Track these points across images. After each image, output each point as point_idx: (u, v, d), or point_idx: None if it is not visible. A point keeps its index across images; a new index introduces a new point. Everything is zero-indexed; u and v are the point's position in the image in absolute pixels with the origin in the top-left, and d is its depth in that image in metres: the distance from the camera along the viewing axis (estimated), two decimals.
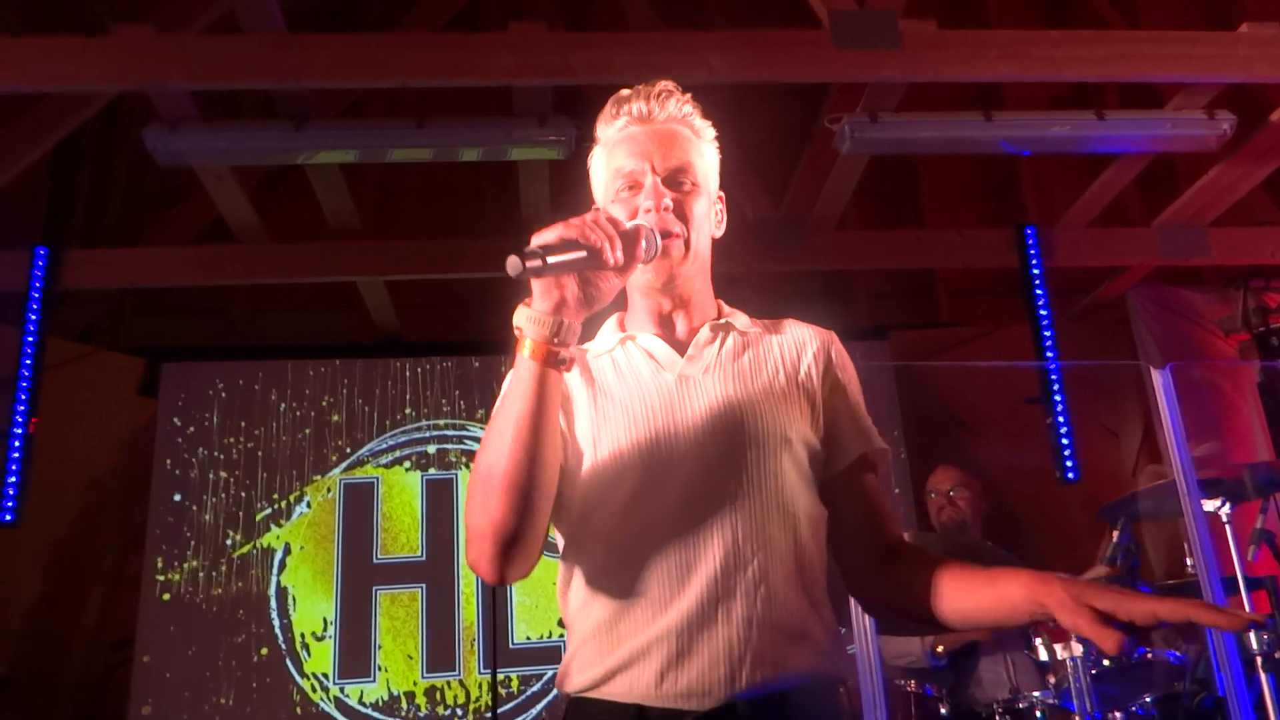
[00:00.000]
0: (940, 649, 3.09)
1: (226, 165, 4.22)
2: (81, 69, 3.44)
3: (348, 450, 4.94)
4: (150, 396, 4.98)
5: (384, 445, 4.95)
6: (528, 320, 1.19)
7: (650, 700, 1.21)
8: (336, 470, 4.90)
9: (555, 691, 4.57)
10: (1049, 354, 4.63)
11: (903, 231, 5.50)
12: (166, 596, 4.62)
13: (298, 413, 4.97)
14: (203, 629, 4.59)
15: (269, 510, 4.82)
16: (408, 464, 4.93)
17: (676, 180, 1.38)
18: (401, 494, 4.88)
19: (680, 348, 1.39)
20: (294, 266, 4.78)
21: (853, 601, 1.87)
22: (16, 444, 4.24)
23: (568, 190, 4.98)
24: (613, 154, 1.41)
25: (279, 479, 4.87)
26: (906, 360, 5.20)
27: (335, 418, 4.98)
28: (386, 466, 4.93)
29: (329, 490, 4.87)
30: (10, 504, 4.18)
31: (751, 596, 1.23)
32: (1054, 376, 4.57)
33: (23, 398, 4.32)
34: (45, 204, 4.93)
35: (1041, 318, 4.70)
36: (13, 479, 4.21)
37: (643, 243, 1.26)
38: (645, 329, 1.41)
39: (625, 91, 1.43)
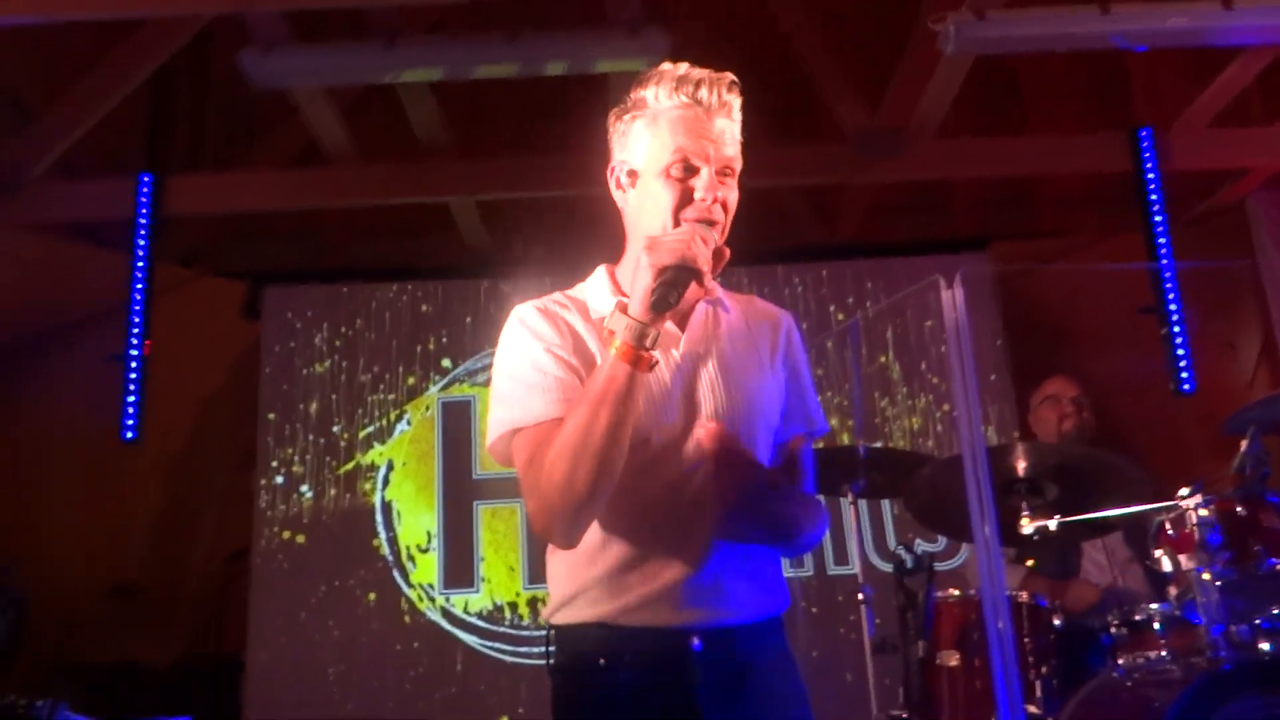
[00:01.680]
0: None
1: (319, 86, 4.24)
2: None
3: (445, 369, 5.01)
4: (254, 319, 5.12)
5: (479, 364, 5.01)
6: (627, 329, 1.32)
7: (666, 624, 1.42)
8: (434, 389, 4.99)
9: None
10: (1164, 261, 4.44)
11: (1004, 138, 5.29)
12: (279, 504, 4.79)
13: (395, 333, 5.06)
14: (312, 542, 4.76)
15: (371, 428, 4.95)
16: None
17: (726, 173, 1.47)
18: None
19: (678, 320, 1.51)
20: (386, 188, 4.81)
21: (973, 515, 1.94)
22: (133, 366, 4.40)
23: None
24: (672, 130, 1.46)
25: (379, 397, 4.98)
26: (1008, 271, 5.05)
27: (431, 337, 5.05)
28: (483, 385, 5.00)
29: (428, 408, 4.97)
30: (131, 422, 4.36)
31: (739, 551, 1.45)
32: (1169, 284, 4.38)
33: (136, 321, 4.47)
34: (146, 131, 5.02)
35: (1156, 224, 4.49)
36: (132, 398, 4.38)
37: (718, 226, 1.42)
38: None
39: (684, 68, 1.49)
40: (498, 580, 4.72)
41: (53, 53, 4.66)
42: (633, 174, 1.52)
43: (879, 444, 4.72)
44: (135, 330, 4.46)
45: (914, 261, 5.08)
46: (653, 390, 1.45)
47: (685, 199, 1.44)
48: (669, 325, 1.47)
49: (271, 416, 4.94)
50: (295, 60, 3.88)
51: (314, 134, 4.69)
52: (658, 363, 1.38)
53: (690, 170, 1.44)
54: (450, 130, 4.84)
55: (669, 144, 1.45)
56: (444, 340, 5.05)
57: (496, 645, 4.64)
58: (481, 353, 5.01)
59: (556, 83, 4.76)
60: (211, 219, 5.39)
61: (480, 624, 4.67)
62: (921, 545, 4.28)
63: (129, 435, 4.34)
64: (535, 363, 1.47)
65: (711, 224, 1.42)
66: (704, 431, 1.40)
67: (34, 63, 4.69)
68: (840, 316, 5.02)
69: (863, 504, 3.27)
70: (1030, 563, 3.31)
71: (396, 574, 4.74)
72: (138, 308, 4.49)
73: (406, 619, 4.68)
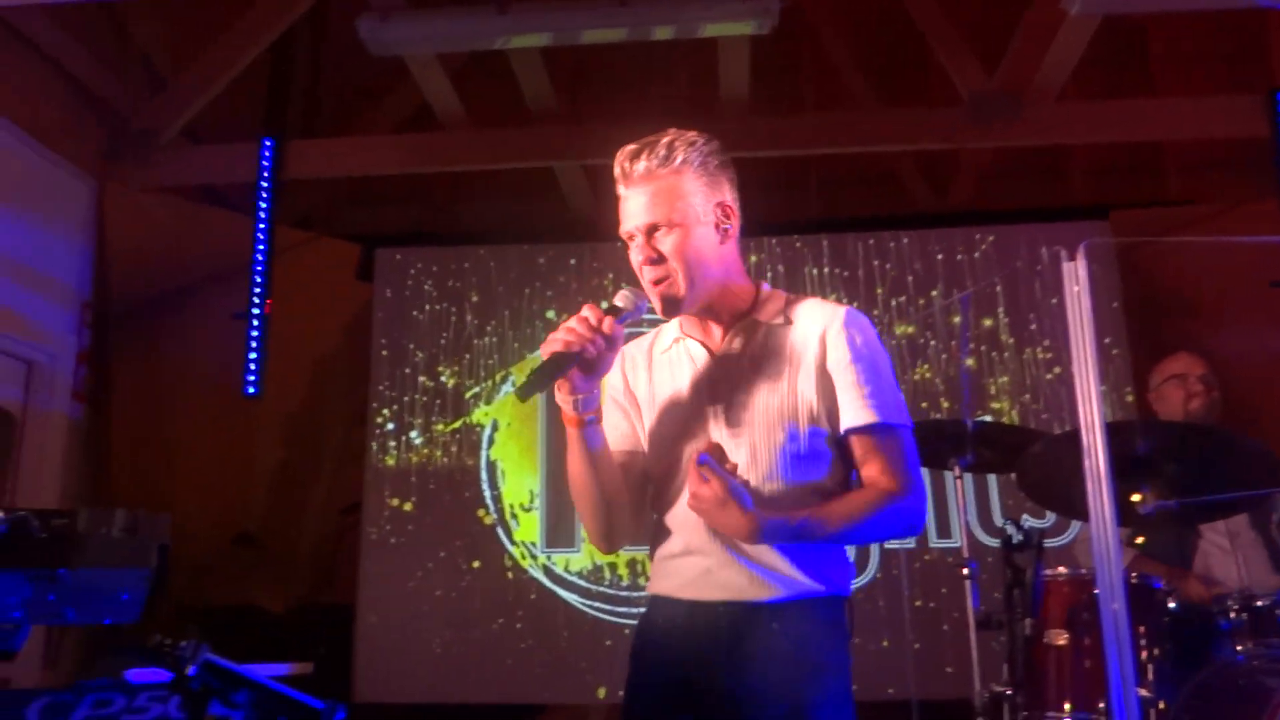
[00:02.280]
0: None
1: (432, 52, 4.30)
2: None
3: (549, 331, 5.08)
4: (367, 281, 5.27)
5: None
6: (561, 403, 1.68)
7: (691, 596, 1.71)
8: (539, 350, 5.06)
9: None
10: None
11: (1129, 101, 5.07)
12: (390, 461, 4.96)
13: (501, 295, 5.14)
14: (419, 498, 4.91)
15: (477, 389, 5.06)
16: None
17: (655, 231, 1.69)
18: None
19: (712, 349, 1.76)
20: (495, 152, 4.87)
21: (1091, 494, 1.89)
22: (255, 324, 4.59)
23: (766, 69, 4.84)
24: (620, 211, 1.74)
25: (485, 359, 5.08)
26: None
27: (536, 299, 5.12)
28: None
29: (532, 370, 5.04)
30: (253, 378, 4.54)
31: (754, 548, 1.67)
32: None
33: (259, 281, 4.64)
34: (267, 97, 5.18)
35: None
36: (254, 356, 4.56)
37: (624, 313, 1.68)
38: (690, 331, 1.80)
39: (620, 155, 1.74)
40: None
41: (181, 21, 4.85)
42: (630, 236, 1.77)
43: (988, 418, 4.62)
44: (257, 290, 4.64)
45: (1030, 230, 4.93)
46: (684, 410, 1.74)
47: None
48: (699, 347, 1.77)
49: (382, 377, 5.10)
50: (410, 27, 3.95)
51: (426, 99, 4.78)
52: (588, 420, 1.68)
53: (631, 241, 1.73)
54: (558, 95, 4.87)
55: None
56: (549, 302, 5.12)
57: (595, 604, 4.73)
58: None
59: (665, 47, 4.73)
60: (328, 182, 5.55)
61: (580, 583, 4.77)
62: (1029, 521, 4.20)
63: (251, 391, 4.54)
64: (611, 403, 1.85)
65: (659, 280, 1.70)
66: (692, 473, 1.62)
67: (165, 31, 4.89)
68: (948, 288, 4.91)
69: (968, 477, 3.19)
70: (1140, 540, 3.20)
71: (500, 531, 4.86)
72: (260, 268, 4.67)
73: (509, 575, 4.80)
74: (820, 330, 1.71)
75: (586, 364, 1.63)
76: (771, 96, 5.17)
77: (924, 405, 4.73)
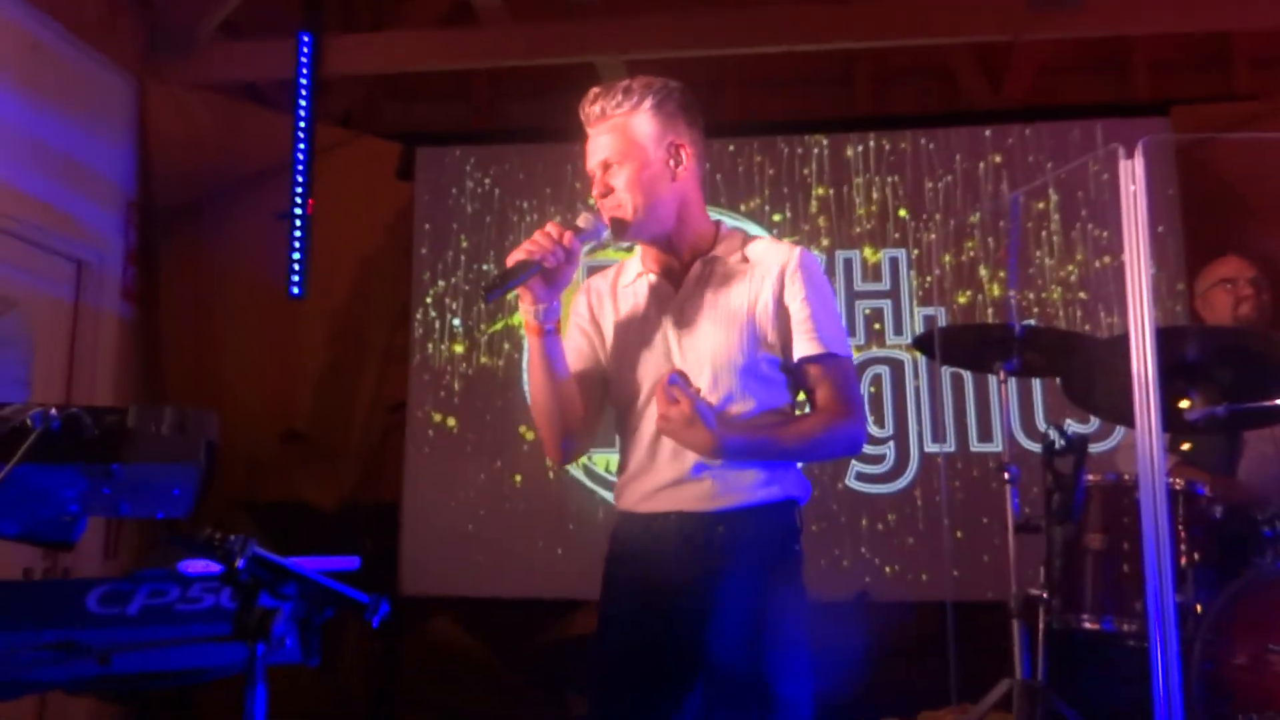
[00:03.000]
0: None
1: None
2: None
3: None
4: (408, 179, 5.25)
5: None
6: (523, 314, 1.85)
7: (649, 509, 1.88)
8: (587, 248, 5.03)
9: None
10: None
11: None
12: (433, 360, 5.01)
13: (544, 193, 5.10)
14: (464, 400, 4.98)
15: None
16: None
17: (608, 167, 1.88)
18: None
19: (672, 282, 1.92)
20: (535, 48, 4.77)
21: (1138, 399, 1.91)
22: (298, 224, 4.60)
23: None
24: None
25: None
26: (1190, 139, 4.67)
27: (579, 198, 5.08)
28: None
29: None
30: (297, 279, 4.58)
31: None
32: None
33: (299, 180, 4.64)
34: None
35: None
36: (297, 255, 4.59)
37: (583, 235, 1.85)
38: (650, 266, 1.95)
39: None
40: None
41: None
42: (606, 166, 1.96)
43: (1032, 322, 4.55)
44: (299, 189, 4.64)
45: (1087, 125, 4.77)
46: (646, 339, 1.90)
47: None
48: (661, 281, 1.92)
49: (424, 277, 5.11)
50: None
51: None
52: (548, 329, 1.84)
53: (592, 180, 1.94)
54: None
55: None
56: (589, 201, 5.06)
57: None
58: None
59: None
60: (367, 79, 5.49)
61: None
62: (1072, 426, 4.16)
63: (295, 291, 4.58)
64: (573, 325, 2.06)
65: (614, 210, 1.89)
66: (660, 394, 1.77)
67: None
68: (1004, 185, 4.78)
69: (1012, 381, 3.16)
70: (1186, 446, 3.17)
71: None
72: (301, 167, 4.66)
73: (550, 474, 4.88)
74: (778, 268, 1.86)
75: (547, 274, 1.80)
76: None
77: (963, 300, 4.66)
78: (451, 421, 4.97)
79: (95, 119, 4.45)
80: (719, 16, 4.63)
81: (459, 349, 5.04)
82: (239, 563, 1.32)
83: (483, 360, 5.02)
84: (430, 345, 5.06)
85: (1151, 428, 1.88)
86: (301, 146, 4.66)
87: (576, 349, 1.98)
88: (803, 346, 1.85)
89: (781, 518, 1.86)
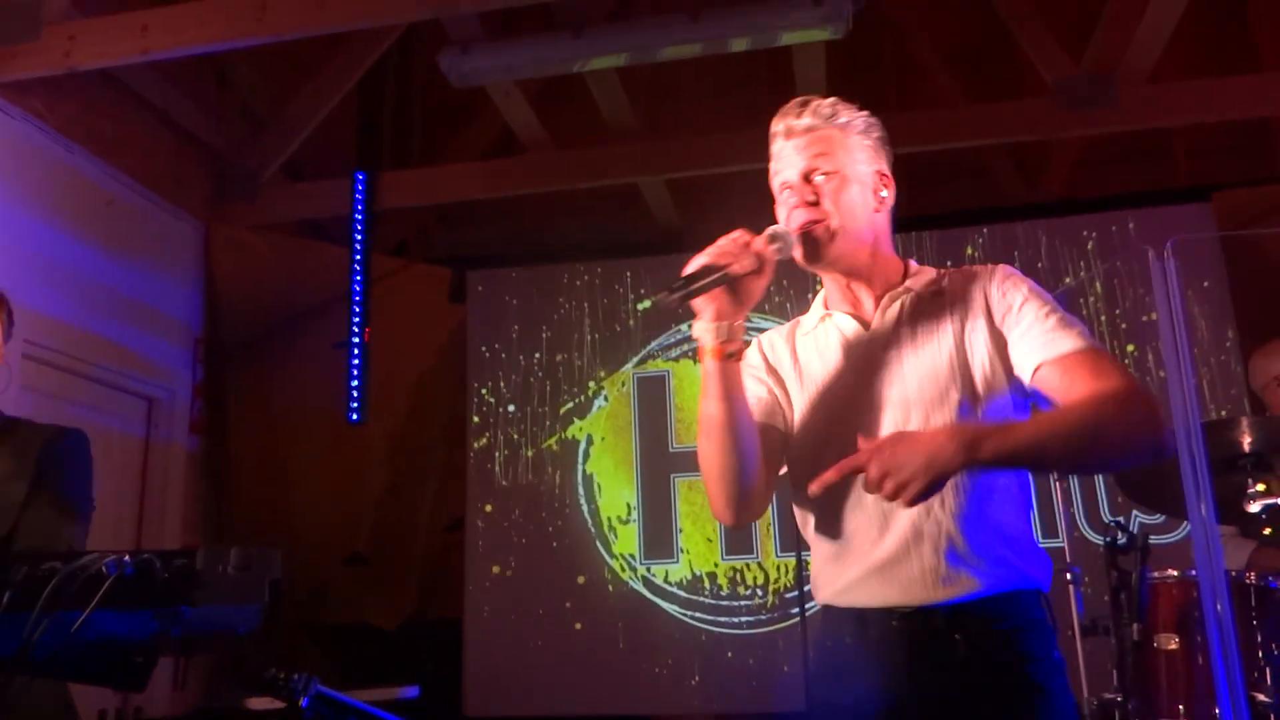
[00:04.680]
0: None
1: (511, 79, 4.40)
2: (381, 4, 3.67)
3: (640, 344, 5.15)
4: (460, 302, 5.41)
5: (672, 339, 5.11)
6: (700, 333, 1.53)
7: (872, 604, 1.53)
8: (629, 365, 5.13)
9: None
10: None
11: (1231, 78, 4.87)
12: (489, 478, 5.08)
13: (591, 310, 5.23)
14: (520, 515, 5.02)
15: (570, 404, 5.14)
16: (696, 356, 5.06)
17: (814, 175, 1.61)
18: (692, 386, 5.05)
19: (865, 320, 1.64)
20: (577, 172, 4.95)
21: (1188, 495, 1.85)
22: (356, 352, 4.76)
23: (845, 70, 4.81)
24: (773, 168, 1.68)
25: (577, 374, 5.17)
26: (1234, 223, 4.65)
27: (626, 314, 5.19)
28: (675, 360, 5.10)
29: (624, 384, 5.12)
30: (356, 405, 4.71)
31: (935, 537, 1.49)
32: None
33: (357, 310, 4.82)
34: (358, 132, 5.37)
35: None
36: (355, 383, 4.74)
37: (775, 244, 1.54)
38: (838, 305, 1.67)
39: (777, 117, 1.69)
40: (696, 551, 4.83)
41: (276, 66, 5.07)
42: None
43: None
44: (356, 319, 4.81)
45: (1128, 215, 4.79)
46: (839, 387, 1.60)
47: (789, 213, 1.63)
48: (849, 320, 1.64)
49: (478, 396, 5.23)
50: (489, 57, 4.05)
51: (509, 124, 4.89)
52: (729, 353, 1.52)
53: (785, 188, 1.64)
54: (636, 111, 4.93)
55: (774, 180, 1.69)
56: (639, 316, 5.18)
57: (696, 614, 4.76)
58: (673, 329, 5.11)
59: (741, 57, 4.74)
60: (419, 210, 5.72)
61: (680, 593, 4.80)
62: (1140, 518, 4.07)
63: (354, 418, 4.70)
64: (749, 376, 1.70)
65: (812, 223, 1.59)
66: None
67: (261, 77, 5.12)
68: (1046, 281, 4.79)
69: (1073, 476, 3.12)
70: (1268, 531, 3.08)
71: (599, 544, 4.94)
72: (358, 297, 4.84)
73: (610, 587, 4.87)
74: (980, 288, 1.60)
75: (734, 284, 1.50)
76: (852, 97, 5.12)
77: None
78: (510, 539, 5.01)
79: (165, 263, 4.69)
80: (756, 132, 4.77)
81: (514, 465, 5.11)
82: (302, 701, 1.35)
83: (538, 475, 5.08)
84: (486, 462, 5.14)
85: (1204, 523, 1.86)
86: (358, 277, 4.86)
87: (755, 397, 1.64)
88: (1040, 349, 1.50)
89: (1038, 612, 1.50)
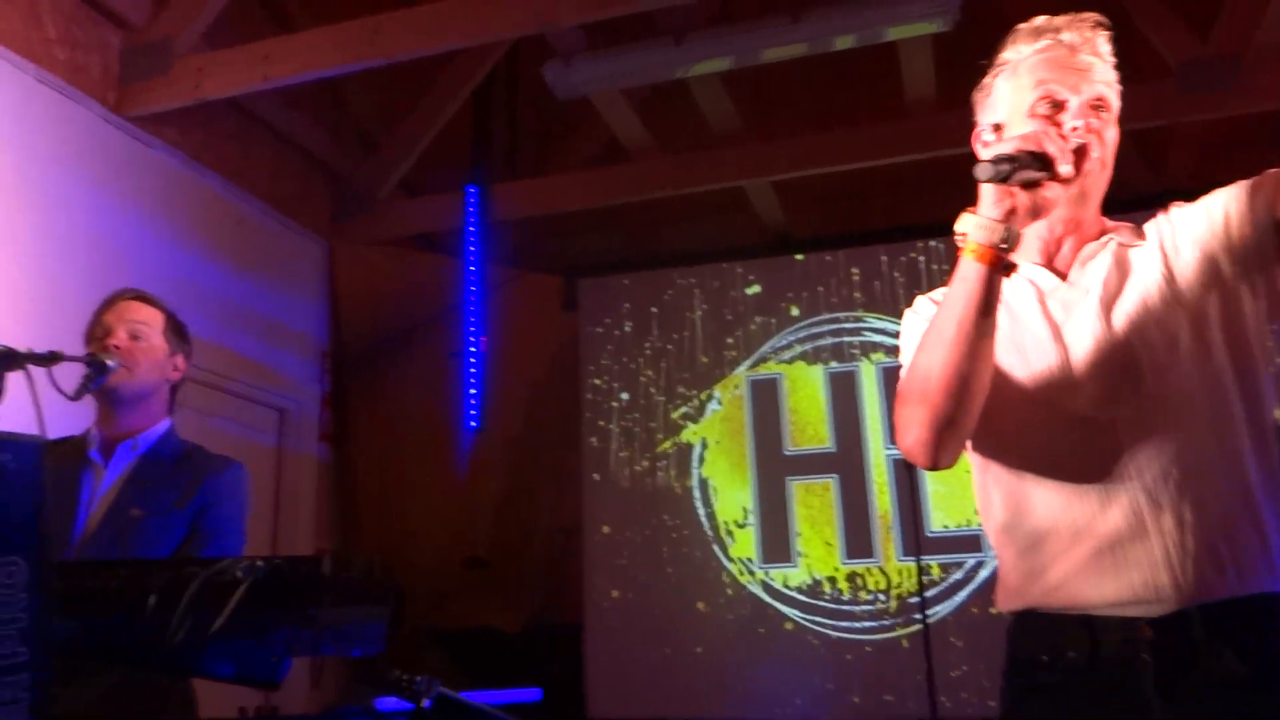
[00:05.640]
0: None
1: (615, 89, 4.46)
2: (486, 22, 3.76)
3: (752, 348, 5.13)
4: (572, 310, 5.50)
5: (784, 341, 5.08)
6: (976, 226, 1.27)
7: (1097, 609, 1.26)
8: (742, 368, 5.12)
9: (979, 579, 4.52)
10: None
11: None
12: (605, 483, 5.14)
13: (700, 315, 5.24)
14: (637, 518, 5.07)
15: (684, 409, 5.16)
16: (809, 358, 5.03)
17: (1097, 106, 1.39)
18: (805, 388, 5.01)
19: (1062, 274, 1.41)
20: (683, 177, 4.97)
21: None
22: (473, 361, 4.89)
23: (953, 65, 4.69)
24: (1033, 70, 1.42)
25: (690, 379, 5.19)
26: None
27: (736, 316, 5.18)
28: (788, 362, 5.07)
29: (736, 387, 5.11)
30: (474, 411, 4.84)
31: (1177, 505, 1.24)
32: None
33: (472, 321, 4.95)
34: (469, 147, 5.51)
35: None
36: (473, 390, 4.86)
37: (1091, 155, 1.33)
38: (1028, 257, 1.44)
39: (1042, 19, 1.45)
40: (815, 555, 4.79)
41: (389, 87, 5.24)
42: (998, 128, 1.46)
43: None
44: (471, 329, 4.94)
45: None
46: (1033, 345, 1.37)
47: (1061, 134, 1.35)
48: (1047, 275, 1.41)
49: (592, 402, 5.30)
50: (593, 68, 4.11)
51: (614, 133, 4.95)
52: (1014, 267, 1.31)
53: (1056, 105, 1.38)
54: (741, 113, 4.92)
55: (1031, 83, 1.40)
56: (749, 319, 5.16)
57: (817, 619, 4.71)
58: (786, 330, 5.08)
59: (845, 53, 4.69)
60: (530, 220, 5.83)
61: (800, 597, 4.77)
62: None
63: (472, 425, 4.83)
64: (919, 333, 1.41)
65: (1086, 155, 1.34)
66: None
67: (374, 99, 5.31)
68: None
69: None
70: None
71: (716, 548, 4.94)
72: (472, 308, 4.98)
73: (728, 591, 4.86)
74: (1168, 223, 1.41)
75: (1037, 187, 1.27)
76: (962, 90, 5.00)
77: None
78: (627, 543, 5.05)
79: (292, 280, 4.91)
80: (857, 130, 4.71)
81: (629, 469, 5.16)
82: (425, 703, 1.40)
83: (654, 479, 5.12)
84: (601, 467, 5.20)
85: None
86: (472, 288, 4.99)
87: None
88: (1259, 260, 1.30)
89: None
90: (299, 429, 4.93)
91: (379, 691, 1.71)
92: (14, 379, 1.74)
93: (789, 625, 4.74)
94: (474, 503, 5.37)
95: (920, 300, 1.56)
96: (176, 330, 2.36)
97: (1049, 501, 1.31)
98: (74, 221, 3.61)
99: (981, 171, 1.24)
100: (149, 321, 2.29)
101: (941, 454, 1.32)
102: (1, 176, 3.35)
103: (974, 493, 1.47)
